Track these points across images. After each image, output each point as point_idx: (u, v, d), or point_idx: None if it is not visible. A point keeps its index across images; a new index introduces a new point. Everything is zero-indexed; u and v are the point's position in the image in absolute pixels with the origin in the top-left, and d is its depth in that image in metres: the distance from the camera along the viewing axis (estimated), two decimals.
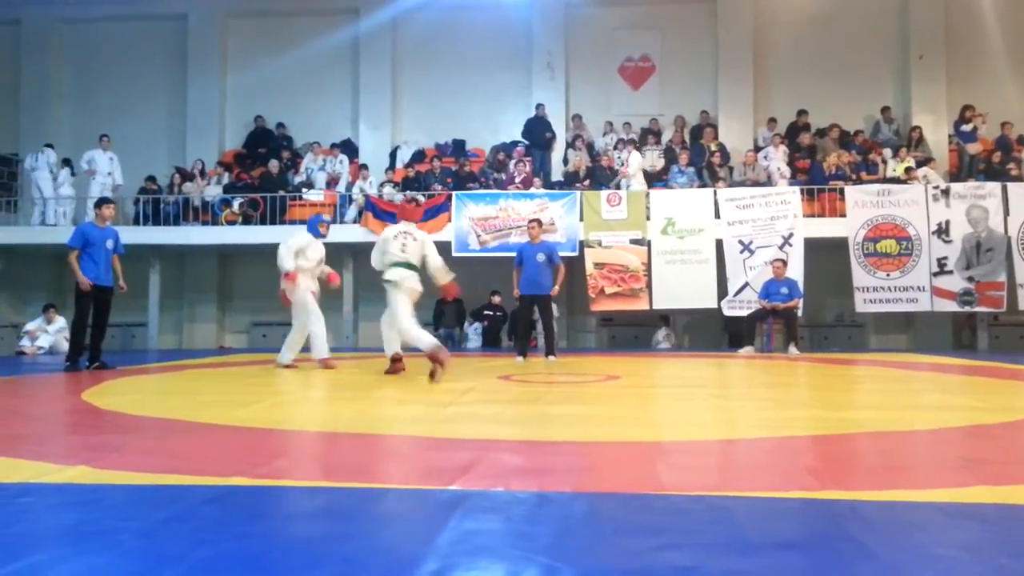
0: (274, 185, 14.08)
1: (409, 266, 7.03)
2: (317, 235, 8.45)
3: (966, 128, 13.83)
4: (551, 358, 9.29)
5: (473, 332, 13.49)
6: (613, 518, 2.31)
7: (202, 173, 14.71)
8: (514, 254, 9.95)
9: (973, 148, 13.71)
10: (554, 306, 12.82)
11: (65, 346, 12.57)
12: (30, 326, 12.81)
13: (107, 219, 8.55)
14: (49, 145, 14.78)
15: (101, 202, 8.76)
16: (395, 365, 7.27)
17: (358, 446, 3.62)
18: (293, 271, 8.07)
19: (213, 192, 14.34)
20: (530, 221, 10.15)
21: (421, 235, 7.31)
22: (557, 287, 9.51)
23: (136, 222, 14.40)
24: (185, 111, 15.93)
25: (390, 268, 7.05)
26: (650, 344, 13.42)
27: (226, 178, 14.73)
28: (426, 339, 6.72)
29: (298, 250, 8.23)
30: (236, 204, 13.93)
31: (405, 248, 7.05)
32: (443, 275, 7.27)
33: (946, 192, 12.47)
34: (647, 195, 12.96)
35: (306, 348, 8.56)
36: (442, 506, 2.34)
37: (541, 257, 9.37)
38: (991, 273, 12.21)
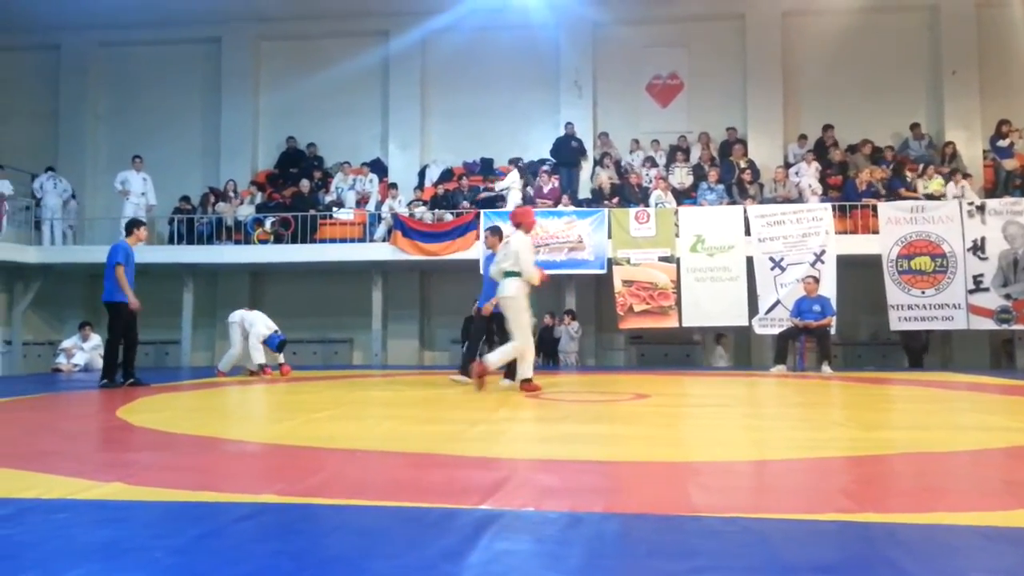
0: (305, 204, 14.25)
1: (505, 274, 7.11)
2: (276, 349, 10.36)
3: (1002, 143, 13.63)
4: (460, 377, 8.20)
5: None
6: (646, 539, 2.29)
7: (235, 193, 14.93)
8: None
9: (1009, 164, 13.50)
10: (569, 327, 12.89)
11: (100, 363, 12.84)
12: (66, 344, 13.03)
13: (141, 240, 8.73)
14: (51, 168, 15.11)
15: (139, 223, 8.92)
16: (526, 384, 7.20)
17: (389, 464, 3.62)
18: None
19: (246, 212, 14.54)
20: (487, 229, 9.33)
21: (515, 238, 7.28)
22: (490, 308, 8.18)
23: (170, 241, 14.66)
24: (219, 132, 16.22)
25: (518, 277, 7.13)
26: (702, 362, 13.29)
27: (259, 198, 14.94)
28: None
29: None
30: (268, 223, 14.11)
31: (505, 258, 7.15)
32: (528, 277, 7.29)
33: (981, 208, 12.27)
34: (676, 212, 12.92)
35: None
36: (472, 526, 2.33)
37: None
38: None
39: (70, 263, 14.37)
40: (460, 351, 12.03)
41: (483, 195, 13.98)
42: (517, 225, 7.51)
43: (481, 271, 8.72)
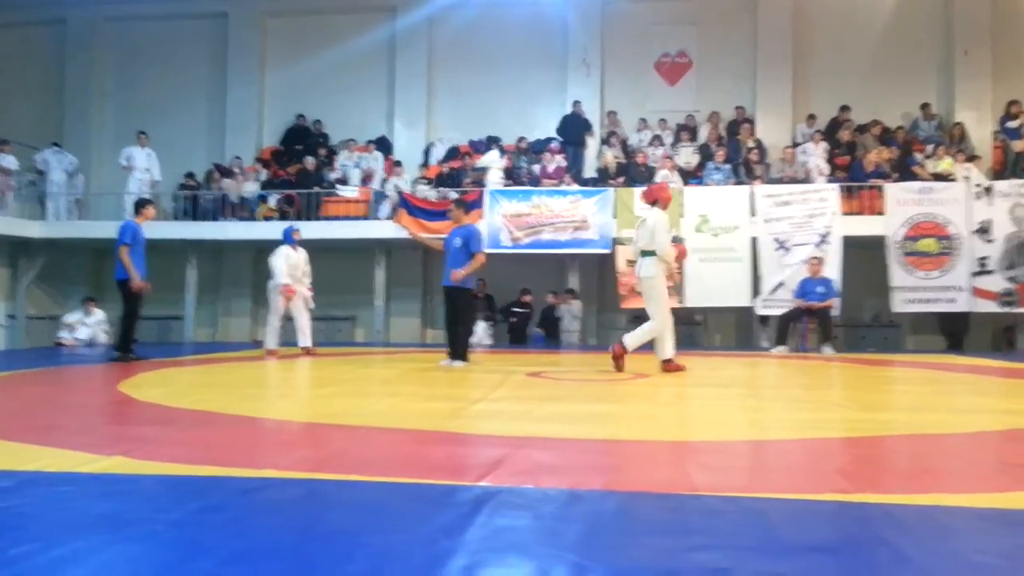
0: (310, 181, 14.23)
1: (642, 253, 6.95)
2: (291, 242, 9.90)
3: (1012, 125, 13.50)
4: (454, 363, 7.80)
5: (483, 331, 12.95)
6: (644, 517, 2.30)
7: (240, 169, 14.91)
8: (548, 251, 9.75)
9: (1018, 145, 13.38)
10: (571, 307, 12.89)
11: (103, 338, 12.91)
12: (69, 318, 13.09)
13: (149, 218, 8.77)
14: (56, 144, 15.08)
15: (147, 202, 8.95)
16: (667, 364, 7.07)
17: (390, 440, 3.65)
18: (288, 283, 9.69)
19: (251, 188, 14.53)
20: (453, 202, 9.00)
21: (652, 216, 7.03)
22: (463, 272, 7.78)
23: (175, 217, 14.67)
24: (224, 108, 16.15)
25: (656, 257, 6.97)
26: (750, 344, 13.24)
27: (264, 175, 14.92)
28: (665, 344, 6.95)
29: (283, 260, 9.75)
30: (273, 200, 14.10)
31: (640, 237, 6.98)
32: (665, 258, 7.11)
33: (989, 190, 12.19)
34: (681, 192, 12.86)
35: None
36: (472, 502, 2.34)
37: (458, 242, 7.87)
38: None
39: (74, 238, 14.39)
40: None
41: (470, 177, 13.87)
42: (653, 202, 7.21)
43: (442, 247, 8.18)
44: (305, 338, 9.95)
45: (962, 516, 2.30)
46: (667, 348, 7.11)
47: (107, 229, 13.94)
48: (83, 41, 16.59)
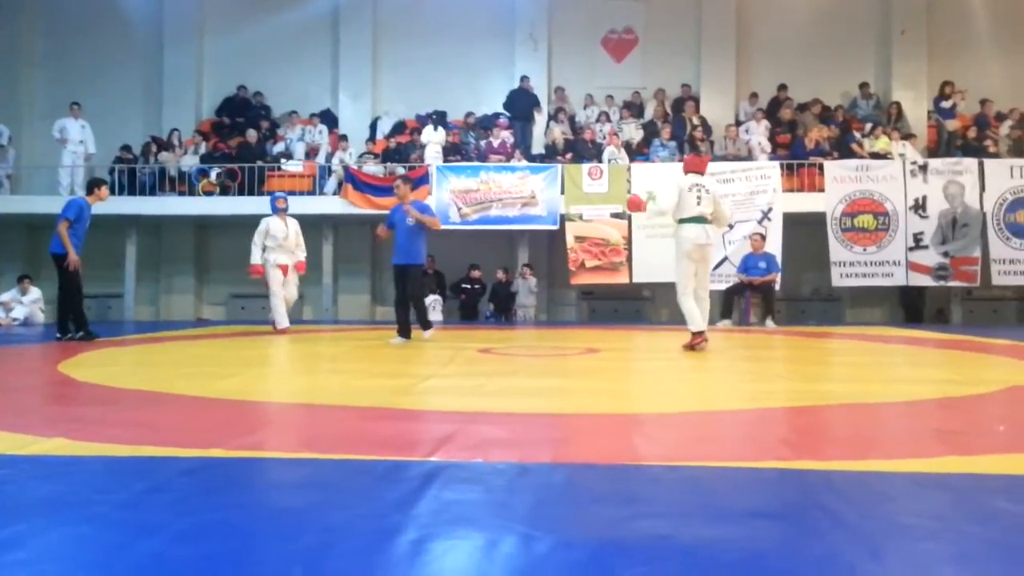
0: (252, 155, 13.93)
1: (703, 220, 6.81)
2: (276, 211, 9.43)
3: (945, 104, 13.92)
4: (426, 333, 8.02)
5: (433, 306, 12.87)
6: (591, 488, 2.34)
7: (179, 142, 14.51)
8: (499, 227, 9.72)
9: (952, 124, 13.81)
10: (528, 281, 12.96)
11: (40, 317, 12.51)
12: (4, 297, 12.63)
13: (102, 199, 8.50)
14: None
15: (102, 183, 8.67)
16: (695, 338, 6.78)
17: (337, 418, 3.63)
18: (258, 264, 9.29)
19: (190, 162, 14.15)
20: (396, 179, 9.00)
21: (713, 186, 7.04)
22: (421, 217, 7.87)
23: (111, 192, 14.17)
24: (161, 79, 15.64)
25: (683, 224, 6.80)
26: (651, 317, 13.41)
27: (203, 148, 14.54)
28: (695, 320, 6.72)
29: (264, 233, 9.31)
30: (214, 174, 13.76)
31: (700, 200, 6.77)
32: (723, 226, 7.48)
33: (924, 168, 12.57)
34: (628, 169, 12.96)
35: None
36: (422, 477, 2.35)
37: (411, 220, 7.85)
38: (966, 248, 12.36)
39: (6, 213, 13.86)
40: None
41: (417, 152, 13.77)
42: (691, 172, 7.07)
43: (388, 224, 8.12)
44: (283, 318, 9.43)
45: (897, 481, 2.40)
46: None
47: (41, 204, 13.51)
48: (10, 7, 15.85)
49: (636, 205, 7.10)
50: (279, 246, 9.35)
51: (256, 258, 9.31)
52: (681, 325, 7.25)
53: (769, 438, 3.13)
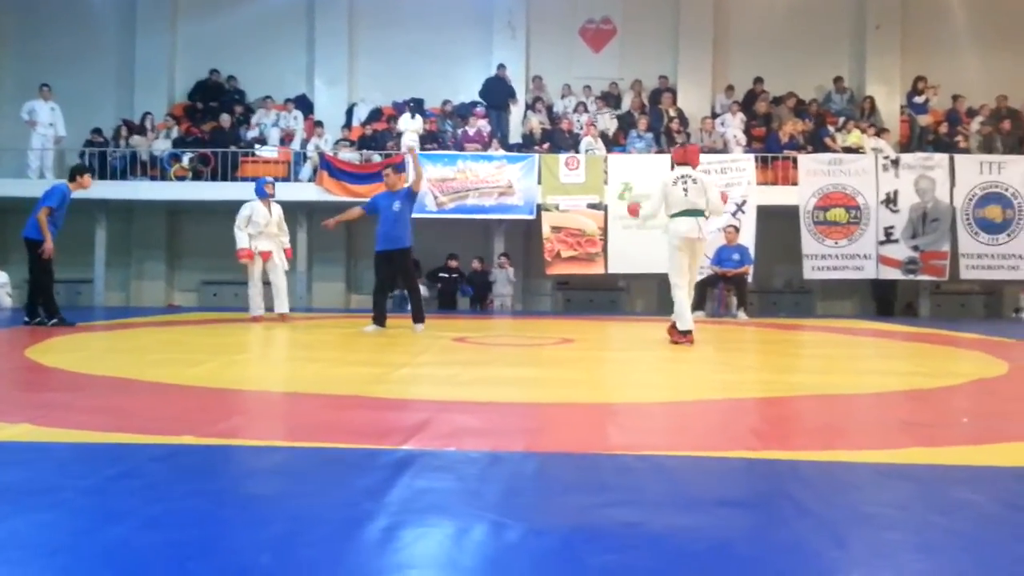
0: (226, 140, 13.75)
1: (693, 212, 6.56)
2: (264, 196, 9.23)
3: (918, 100, 14.08)
4: (418, 327, 7.83)
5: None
6: (562, 477, 2.36)
7: (151, 126, 14.29)
8: (471, 216, 9.63)
9: (924, 120, 13.97)
10: (507, 271, 12.96)
11: (8, 302, 12.32)
12: None
13: (84, 188, 8.32)
14: None
15: (85, 170, 8.50)
16: (680, 336, 6.61)
17: (310, 406, 3.61)
18: (246, 247, 9.01)
19: (162, 146, 13.95)
20: (386, 168, 8.95)
21: (701, 176, 6.78)
22: (418, 166, 8.39)
23: None
24: (133, 61, 15.36)
25: (673, 219, 6.61)
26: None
27: (176, 132, 14.34)
28: (684, 317, 6.55)
29: (247, 219, 9.10)
30: (186, 159, 13.58)
31: (688, 192, 6.53)
32: (719, 214, 7.29)
33: (896, 162, 12.72)
34: (605, 160, 12.98)
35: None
36: (394, 465, 2.35)
37: (397, 206, 7.83)
38: (935, 243, 12.54)
39: None
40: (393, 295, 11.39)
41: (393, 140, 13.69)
42: (683, 163, 6.90)
43: (370, 211, 8.15)
44: (281, 303, 9.21)
45: (861, 471, 2.44)
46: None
47: (9, 187, 13.27)
48: None
49: (633, 212, 7.12)
50: (260, 232, 9.12)
51: (243, 242, 9.06)
52: (656, 316, 7.30)
53: (739, 428, 3.17)
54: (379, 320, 7.85)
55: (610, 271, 12.83)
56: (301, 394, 3.94)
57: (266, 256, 9.14)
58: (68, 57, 15.27)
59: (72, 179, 8.30)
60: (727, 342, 7.59)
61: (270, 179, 9.72)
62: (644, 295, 14.60)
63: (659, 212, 6.83)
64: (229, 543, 1.74)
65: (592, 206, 12.79)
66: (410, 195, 8.06)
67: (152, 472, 2.32)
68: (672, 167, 7.05)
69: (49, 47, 15.44)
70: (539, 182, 12.84)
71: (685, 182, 6.61)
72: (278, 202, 9.60)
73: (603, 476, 2.31)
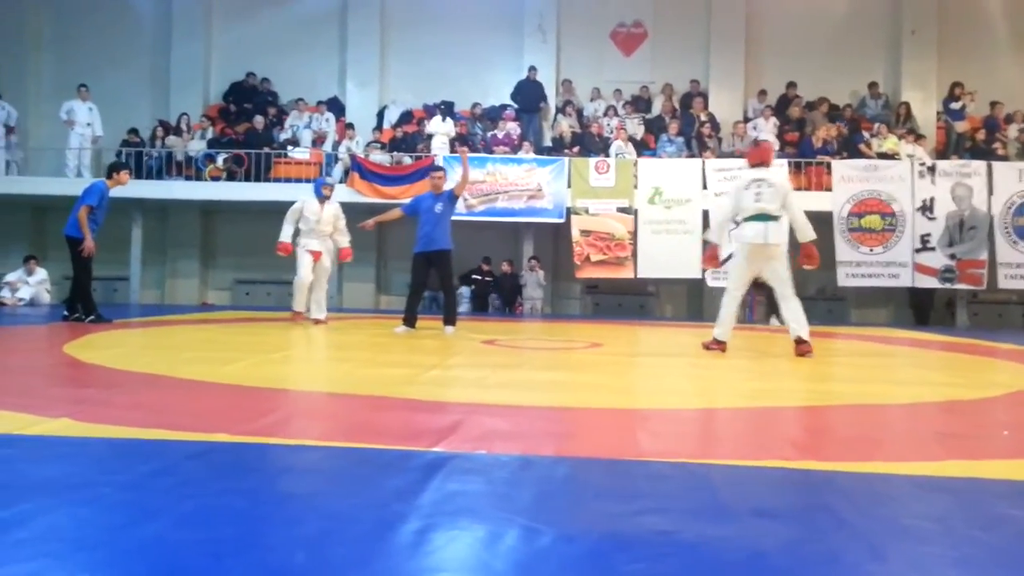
0: (259, 141, 13.91)
1: (765, 217, 6.15)
2: (320, 196, 9.03)
3: (955, 106, 13.85)
4: (449, 329, 7.81)
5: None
6: (593, 483, 2.35)
7: (186, 127, 14.51)
8: (503, 219, 9.63)
9: (961, 126, 13.75)
10: (536, 274, 12.95)
11: (46, 297, 12.55)
12: (10, 277, 12.67)
13: (122, 184, 8.44)
14: None
15: (123, 167, 8.61)
16: (716, 344, 6.42)
17: (342, 406, 3.64)
18: (286, 242, 8.85)
19: (197, 147, 14.15)
20: (435, 170, 8.92)
21: (779, 180, 6.39)
22: (466, 164, 8.31)
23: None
24: (169, 63, 15.62)
25: (744, 223, 6.26)
26: (700, 315, 13.36)
27: (210, 133, 14.54)
28: (724, 326, 6.36)
29: (298, 212, 8.95)
30: (220, 160, 13.76)
31: (760, 197, 6.13)
32: (805, 232, 6.31)
33: (932, 169, 12.52)
34: (635, 164, 12.94)
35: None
36: (425, 467, 2.36)
37: (439, 208, 7.85)
38: (973, 251, 12.32)
39: (14, 194, 13.87)
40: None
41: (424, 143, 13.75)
42: (758, 164, 6.53)
43: (411, 212, 8.16)
44: (320, 309, 8.88)
45: (898, 483, 2.40)
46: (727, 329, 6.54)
47: (48, 186, 13.54)
48: None
49: (712, 260, 6.94)
50: (311, 230, 8.84)
51: (285, 235, 8.86)
52: (686, 322, 7.23)
53: (773, 437, 3.13)
54: (409, 322, 7.86)
55: (639, 275, 12.79)
56: (333, 394, 3.96)
57: (316, 256, 8.87)
58: (105, 58, 15.55)
59: (109, 176, 8.42)
60: (759, 349, 7.51)
61: (330, 180, 9.58)
62: (673, 300, 14.51)
63: (730, 220, 6.58)
64: (263, 541, 1.75)
65: (622, 210, 12.75)
66: (452, 198, 8.05)
67: (187, 469, 2.35)
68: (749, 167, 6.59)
69: (87, 49, 15.75)
70: (569, 185, 12.83)
71: (759, 186, 6.20)
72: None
73: (635, 483, 2.30)
